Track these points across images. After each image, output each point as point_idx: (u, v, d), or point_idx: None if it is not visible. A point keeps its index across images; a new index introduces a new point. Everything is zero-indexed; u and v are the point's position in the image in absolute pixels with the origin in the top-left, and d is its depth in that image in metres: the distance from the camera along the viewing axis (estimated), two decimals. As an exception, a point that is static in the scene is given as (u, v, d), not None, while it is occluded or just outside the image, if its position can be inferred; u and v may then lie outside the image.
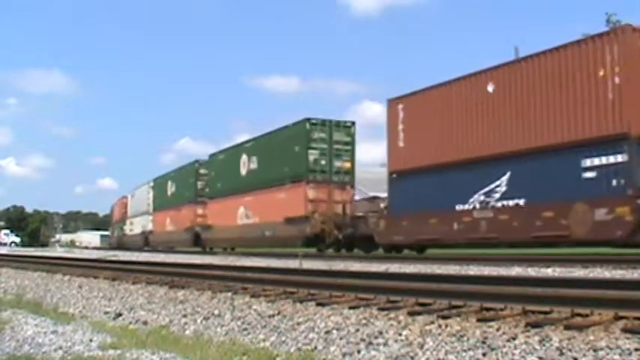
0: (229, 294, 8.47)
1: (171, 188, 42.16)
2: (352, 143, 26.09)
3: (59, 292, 11.45)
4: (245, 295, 8.29)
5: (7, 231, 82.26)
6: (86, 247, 72.01)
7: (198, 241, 36.13)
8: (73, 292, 11.20)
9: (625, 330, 4.60)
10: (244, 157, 30.78)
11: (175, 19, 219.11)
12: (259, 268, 12.57)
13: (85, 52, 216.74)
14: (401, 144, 20.72)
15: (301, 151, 25.41)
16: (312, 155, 25.12)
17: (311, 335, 5.82)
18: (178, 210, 39.67)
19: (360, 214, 23.54)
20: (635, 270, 10.14)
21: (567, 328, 4.80)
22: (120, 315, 8.48)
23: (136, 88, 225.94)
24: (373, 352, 5.10)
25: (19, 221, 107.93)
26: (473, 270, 11.24)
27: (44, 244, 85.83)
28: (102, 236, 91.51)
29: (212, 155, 35.99)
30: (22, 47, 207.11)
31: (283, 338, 5.93)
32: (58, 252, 44.81)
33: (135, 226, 52.51)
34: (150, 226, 46.84)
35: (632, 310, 4.98)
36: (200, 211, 36.02)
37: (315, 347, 5.53)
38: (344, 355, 5.22)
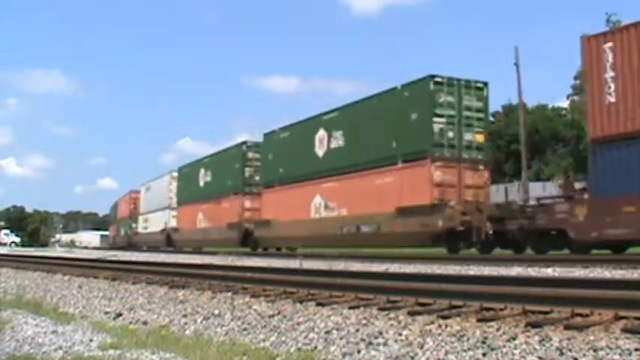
0: (229, 294, 8.47)
1: (204, 177, 35.24)
2: (485, 110, 20.48)
3: (59, 292, 11.44)
4: (245, 295, 8.29)
5: (7, 231, 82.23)
6: (86, 247, 71.91)
7: (247, 239, 29.89)
8: (73, 292, 11.19)
9: (625, 330, 4.60)
10: (322, 132, 24.37)
11: (175, 19, 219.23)
12: (259, 268, 12.57)
13: (85, 52, 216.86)
14: (610, 99, 15.41)
15: (423, 118, 19.41)
16: (438, 125, 19.14)
17: (311, 335, 5.82)
18: (217, 203, 32.82)
19: (533, 202, 18.81)
20: (635, 270, 10.15)
21: (567, 328, 4.80)
22: (120, 315, 8.48)
23: (136, 88, 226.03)
24: (373, 352, 5.10)
25: (19, 221, 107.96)
26: (473, 270, 11.24)
27: (44, 244, 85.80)
28: (102, 236, 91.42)
29: (269, 134, 28.92)
30: (22, 47, 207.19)
31: (283, 338, 5.93)
32: (58, 252, 44.74)
33: (151, 224, 46.02)
34: (172, 223, 40.53)
35: (632, 310, 4.99)
36: (249, 203, 29.95)
37: (315, 347, 5.53)
38: (344, 355, 5.22)
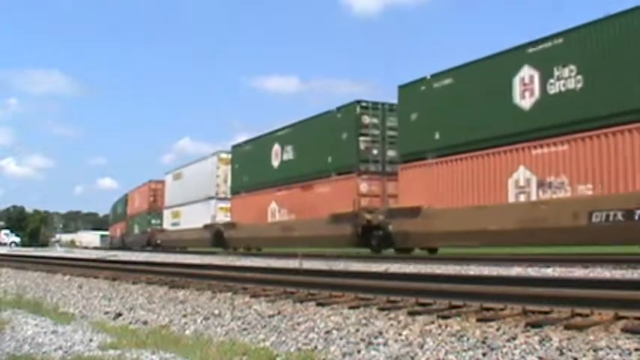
0: (229, 294, 8.47)
1: (280, 155, 26.85)
2: None
3: (59, 292, 11.44)
4: (245, 295, 8.29)
5: (7, 231, 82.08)
6: (86, 247, 71.85)
7: (370, 237, 21.77)
8: (73, 292, 11.19)
9: (625, 330, 4.60)
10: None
11: (175, 19, 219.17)
12: (259, 268, 12.57)
13: (85, 52, 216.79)
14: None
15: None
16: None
17: (311, 335, 5.82)
18: (306, 188, 24.87)
19: None
20: (635, 270, 10.14)
21: (567, 328, 4.80)
22: (120, 315, 8.47)
23: (135, 88, 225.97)
24: (373, 352, 5.10)
25: (19, 221, 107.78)
26: (473, 270, 11.23)
27: (44, 244, 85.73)
28: (102, 236, 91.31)
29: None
30: (22, 47, 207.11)
31: (283, 338, 5.93)
32: (58, 252, 44.72)
33: (186, 218, 37.46)
34: (221, 217, 32.74)
35: (632, 310, 4.99)
36: (365, 186, 21.87)
37: (315, 347, 5.53)
38: (344, 355, 5.22)
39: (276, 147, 26.91)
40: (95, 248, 68.19)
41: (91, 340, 6.11)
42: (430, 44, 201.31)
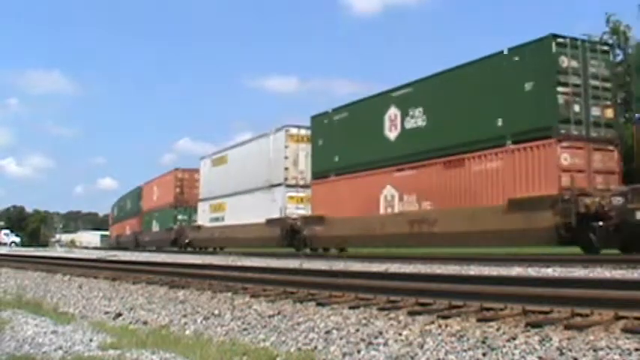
0: (229, 294, 8.47)
1: (404, 121, 20.27)
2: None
3: (59, 292, 11.44)
4: (245, 295, 8.29)
5: (7, 231, 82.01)
6: (86, 247, 71.80)
7: (587, 231, 14.91)
8: (73, 292, 11.19)
9: (625, 330, 4.60)
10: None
11: (175, 19, 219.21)
12: (259, 268, 12.57)
13: (85, 52, 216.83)
14: None
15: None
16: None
17: (311, 335, 5.82)
18: (452, 165, 18.32)
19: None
20: (635, 270, 10.14)
21: (567, 328, 4.80)
22: (120, 315, 8.48)
23: (135, 88, 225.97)
24: (373, 352, 5.10)
25: (19, 221, 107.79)
26: (473, 270, 11.23)
27: (44, 244, 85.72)
28: (102, 236, 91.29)
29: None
30: (22, 48, 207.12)
31: (283, 338, 5.93)
32: (58, 252, 44.70)
33: (235, 212, 30.51)
34: (293, 209, 26.38)
35: (632, 310, 4.99)
36: (567, 157, 15.76)
37: (315, 347, 5.53)
38: (344, 355, 5.22)
39: (392, 112, 20.51)
40: (95, 248, 68.07)
41: (91, 340, 6.11)
42: (430, 44, 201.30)
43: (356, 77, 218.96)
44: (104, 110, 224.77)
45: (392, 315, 6.03)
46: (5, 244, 71.73)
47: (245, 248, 28.69)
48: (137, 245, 47.40)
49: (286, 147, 26.94)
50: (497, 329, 5.05)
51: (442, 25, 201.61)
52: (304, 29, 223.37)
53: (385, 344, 5.20)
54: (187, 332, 6.90)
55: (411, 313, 5.97)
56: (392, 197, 20.40)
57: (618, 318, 4.97)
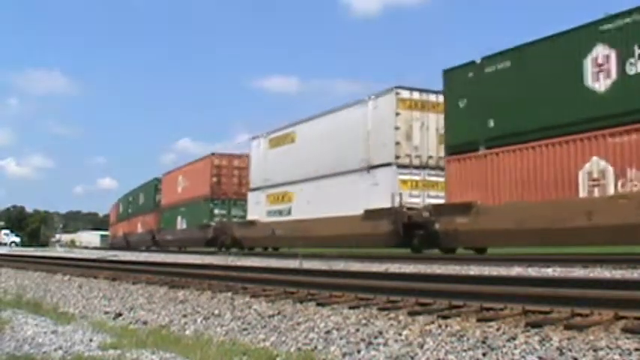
0: (229, 294, 8.47)
1: (626, 66, 14.13)
2: None
3: (59, 292, 11.45)
4: (245, 295, 8.29)
5: (7, 231, 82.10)
6: (86, 247, 71.78)
7: None
8: (73, 292, 11.20)
9: (625, 330, 4.60)
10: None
11: (175, 19, 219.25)
12: (259, 268, 12.57)
13: (85, 52, 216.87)
14: None
15: None
16: None
17: (311, 335, 5.82)
18: None
19: None
20: (635, 270, 10.14)
21: (567, 328, 4.80)
22: (120, 315, 8.48)
23: (135, 88, 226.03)
24: (373, 352, 5.10)
25: (19, 221, 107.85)
26: (473, 270, 11.23)
27: (44, 244, 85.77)
28: (102, 236, 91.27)
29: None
30: (22, 47, 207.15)
31: (283, 338, 5.93)
32: (58, 252, 44.68)
33: (308, 203, 24.28)
34: (408, 194, 20.18)
35: (632, 310, 4.99)
36: None
37: (315, 347, 5.53)
38: (344, 355, 5.22)
39: (601, 52, 14.62)
40: (95, 248, 68.01)
41: (91, 340, 6.11)
42: (430, 44, 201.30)
43: (356, 77, 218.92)
44: (104, 110, 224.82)
45: (392, 315, 6.03)
46: (5, 244, 71.80)
47: (327, 248, 23.47)
48: (154, 245, 42.52)
49: (397, 115, 20.51)
50: (497, 329, 5.05)
51: (442, 26, 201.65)
52: (304, 29, 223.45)
53: (385, 344, 5.20)
54: (187, 332, 6.90)
55: (411, 313, 5.97)
56: (601, 173, 14.29)
57: (618, 318, 4.98)
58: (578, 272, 10.21)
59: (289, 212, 25.90)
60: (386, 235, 20.08)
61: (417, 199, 20.28)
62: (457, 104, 18.05)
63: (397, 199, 19.82)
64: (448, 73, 18.75)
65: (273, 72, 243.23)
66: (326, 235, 22.86)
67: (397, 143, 20.41)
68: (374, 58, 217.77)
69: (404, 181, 20.32)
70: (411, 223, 19.52)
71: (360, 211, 20.87)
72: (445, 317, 5.64)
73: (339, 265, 14.04)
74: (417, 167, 20.55)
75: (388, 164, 20.54)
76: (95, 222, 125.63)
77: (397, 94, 20.71)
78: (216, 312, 7.43)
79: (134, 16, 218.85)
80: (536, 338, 4.64)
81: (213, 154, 34.59)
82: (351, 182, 21.98)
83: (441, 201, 18.95)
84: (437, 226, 18.24)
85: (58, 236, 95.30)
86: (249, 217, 29.33)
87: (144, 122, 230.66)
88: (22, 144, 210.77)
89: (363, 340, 5.40)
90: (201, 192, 34.46)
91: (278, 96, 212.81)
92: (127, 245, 50.27)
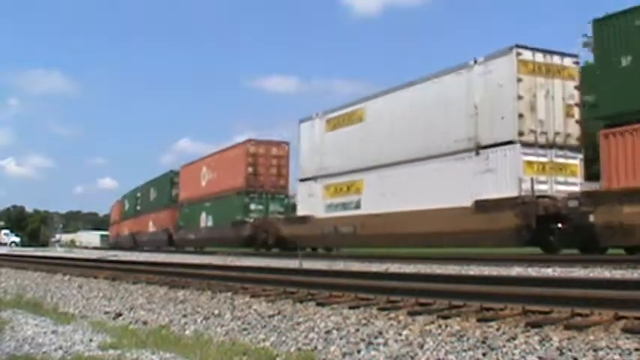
0: (229, 294, 8.47)
1: None
2: None
3: (59, 292, 11.45)
4: (245, 295, 8.29)
5: (7, 231, 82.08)
6: (86, 247, 71.76)
7: None
8: (73, 292, 11.20)
9: (625, 330, 4.60)
10: None
11: (175, 19, 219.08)
12: (259, 268, 12.58)
13: (85, 52, 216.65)
14: None
15: None
16: None
17: (311, 335, 5.82)
18: None
19: None
20: (635, 270, 10.15)
21: (567, 328, 4.80)
22: (120, 315, 8.48)
23: (135, 88, 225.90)
24: (373, 352, 5.10)
25: (19, 221, 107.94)
26: (473, 270, 11.24)
27: (44, 244, 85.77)
28: (102, 236, 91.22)
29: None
30: (22, 47, 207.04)
31: (283, 338, 5.93)
32: (58, 252, 44.68)
33: (396, 194, 19.96)
34: (526, 181, 16.22)
35: (632, 310, 4.99)
36: None
37: (315, 347, 5.53)
38: (344, 355, 5.22)
39: None
40: (95, 248, 67.91)
41: (91, 340, 6.11)
42: (430, 44, 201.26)
43: (356, 77, 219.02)
44: (104, 110, 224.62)
45: (392, 315, 6.03)
46: (5, 244, 71.78)
47: (419, 248, 20.22)
48: (170, 245, 38.62)
49: (519, 81, 16.66)
50: (497, 329, 5.05)
51: (442, 26, 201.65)
52: (305, 29, 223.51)
53: (385, 344, 5.20)
54: (187, 332, 6.90)
55: (411, 313, 5.97)
56: None
57: (618, 318, 4.98)
58: (578, 272, 10.22)
59: (358, 205, 21.51)
60: (509, 231, 16.22)
61: (544, 186, 16.47)
62: (617, 62, 14.26)
63: (526, 186, 15.96)
64: (602, 23, 14.94)
65: (273, 72, 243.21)
66: (419, 233, 18.71)
67: (520, 116, 16.49)
68: (374, 58, 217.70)
69: (529, 164, 16.49)
70: (548, 215, 15.76)
71: (465, 202, 16.91)
72: (445, 317, 5.64)
73: (339, 265, 14.04)
74: (542, 146, 16.80)
75: (509, 143, 16.63)
76: (95, 222, 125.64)
77: (518, 54, 16.73)
78: (216, 312, 7.43)
79: (134, 15, 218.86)
80: (536, 338, 4.64)
81: (249, 140, 30.07)
82: (449, 167, 17.97)
83: (574, 188, 15.99)
84: (592, 218, 14.33)
85: (58, 236, 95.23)
86: (300, 211, 25.09)
87: (144, 122, 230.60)
88: (22, 144, 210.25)
89: (363, 340, 5.40)
90: (233, 184, 30.15)
91: (278, 96, 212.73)
92: (135, 245, 47.56)
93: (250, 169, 29.21)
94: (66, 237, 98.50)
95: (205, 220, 33.42)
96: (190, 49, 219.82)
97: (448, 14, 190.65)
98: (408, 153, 19.52)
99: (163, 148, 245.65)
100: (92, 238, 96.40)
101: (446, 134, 18.39)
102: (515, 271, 10.93)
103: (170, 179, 40.44)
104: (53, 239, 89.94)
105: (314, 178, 24.01)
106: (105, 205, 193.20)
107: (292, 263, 14.45)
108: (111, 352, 5.52)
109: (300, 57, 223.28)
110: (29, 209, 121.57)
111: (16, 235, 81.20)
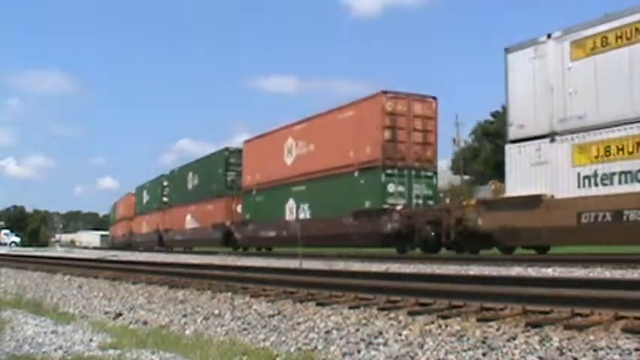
0: (229, 294, 8.47)
1: None
2: None
3: (59, 292, 11.44)
4: (245, 295, 8.29)
5: (7, 231, 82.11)
6: (86, 247, 71.77)
7: None
8: (73, 292, 11.20)
9: (625, 330, 4.60)
10: None
11: (175, 19, 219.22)
12: (259, 268, 12.57)
13: (85, 52, 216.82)
14: None
15: None
16: None
17: (311, 335, 5.82)
18: None
19: None
20: (635, 270, 10.15)
21: (567, 328, 4.80)
22: (120, 315, 8.48)
23: (135, 88, 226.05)
24: (373, 352, 5.10)
25: (19, 221, 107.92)
26: (473, 270, 11.24)
27: (44, 244, 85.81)
28: (102, 236, 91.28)
29: None
30: (22, 47, 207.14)
31: (283, 338, 5.93)
32: (58, 252, 44.68)
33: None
34: None
35: (632, 310, 4.99)
36: None
37: (315, 347, 5.53)
38: (344, 355, 5.22)
39: None
40: (95, 248, 67.92)
41: (91, 340, 6.11)
42: (431, 44, 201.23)
43: (356, 77, 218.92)
44: (104, 110, 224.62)
45: (392, 315, 6.03)
46: (5, 244, 71.81)
47: None
48: (227, 244, 30.66)
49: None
50: (497, 329, 5.05)
51: (442, 26, 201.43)
52: (304, 29, 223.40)
53: (385, 344, 5.20)
54: (187, 332, 6.90)
55: (411, 313, 5.97)
56: None
57: (618, 318, 4.97)
58: (578, 272, 10.22)
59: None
60: None
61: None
62: None
63: None
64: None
65: (272, 72, 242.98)
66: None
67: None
68: (374, 58, 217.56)
69: None
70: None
71: None
72: (445, 317, 5.64)
73: (339, 265, 14.04)
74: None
75: None
76: (95, 222, 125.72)
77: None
78: (216, 312, 7.43)
79: (134, 15, 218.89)
80: (536, 338, 4.64)
81: (385, 92, 20.71)
82: None
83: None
84: None
85: (58, 236, 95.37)
86: (513, 188, 15.98)
87: (144, 122, 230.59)
88: (22, 144, 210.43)
89: (363, 340, 5.40)
90: (358, 158, 21.11)
91: (278, 96, 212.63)
92: (161, 245, 40.07)
93: (387, 134, 20.28)
94: (66, 237, 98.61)
95: (295, 211, 24.35)
96: (190, 49, 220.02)
97: (448, 14, 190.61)
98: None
99: (163, 147, 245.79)
100: (92, 238, 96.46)
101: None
102: (515, 271, 10.92)
103: (225, 159, 31.27)
104: (53, 239, 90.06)
105: (549, 136, 15.22)
106: (105, 205, 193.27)
107: (292, 263, 14.45)
108: (111, 352, 5.51)
109: (300, 57, 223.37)
110: (29, 209, 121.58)
111: (16, 235, 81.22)
